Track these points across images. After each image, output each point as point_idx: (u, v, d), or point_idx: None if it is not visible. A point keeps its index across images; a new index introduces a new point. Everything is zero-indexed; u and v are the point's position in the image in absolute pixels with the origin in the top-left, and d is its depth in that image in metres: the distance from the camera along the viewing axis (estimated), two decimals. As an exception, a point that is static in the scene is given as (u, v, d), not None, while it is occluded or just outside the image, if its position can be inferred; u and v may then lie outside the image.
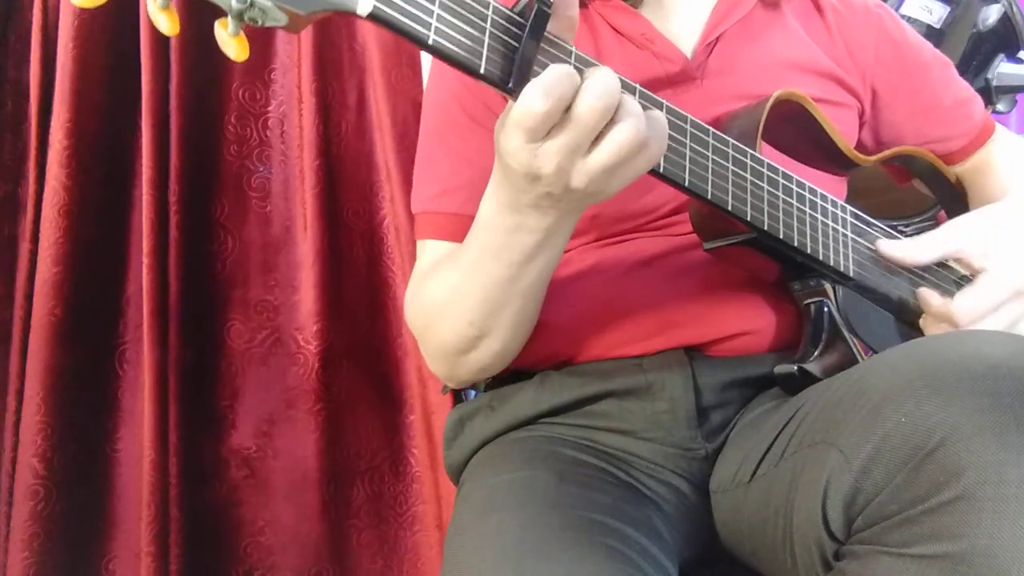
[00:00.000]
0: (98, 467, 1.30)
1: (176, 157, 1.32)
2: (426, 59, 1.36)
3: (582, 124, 0.56)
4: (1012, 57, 1.33)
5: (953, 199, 0.92)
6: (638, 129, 0.58)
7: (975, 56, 1.32)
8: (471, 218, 0.71)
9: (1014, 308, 0.78)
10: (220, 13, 0.49)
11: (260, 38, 1.39)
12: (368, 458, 1.37)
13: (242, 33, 0.50)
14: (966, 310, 0.77)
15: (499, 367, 0.81)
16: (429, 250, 0.83)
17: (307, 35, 1.36)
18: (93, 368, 1.31)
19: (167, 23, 0.49)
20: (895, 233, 0.83)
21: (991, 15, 1.28)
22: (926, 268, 0.83)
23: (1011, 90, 1.35)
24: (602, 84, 0.56)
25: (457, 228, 0.78)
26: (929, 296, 0.79)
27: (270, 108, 1.40)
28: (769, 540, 0.66)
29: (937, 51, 0.97)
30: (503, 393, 0.85)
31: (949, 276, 0.84)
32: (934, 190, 0.94)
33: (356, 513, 1.37)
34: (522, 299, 0.72)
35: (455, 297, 0.74)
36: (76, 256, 1.29)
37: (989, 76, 1.33)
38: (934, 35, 1.31)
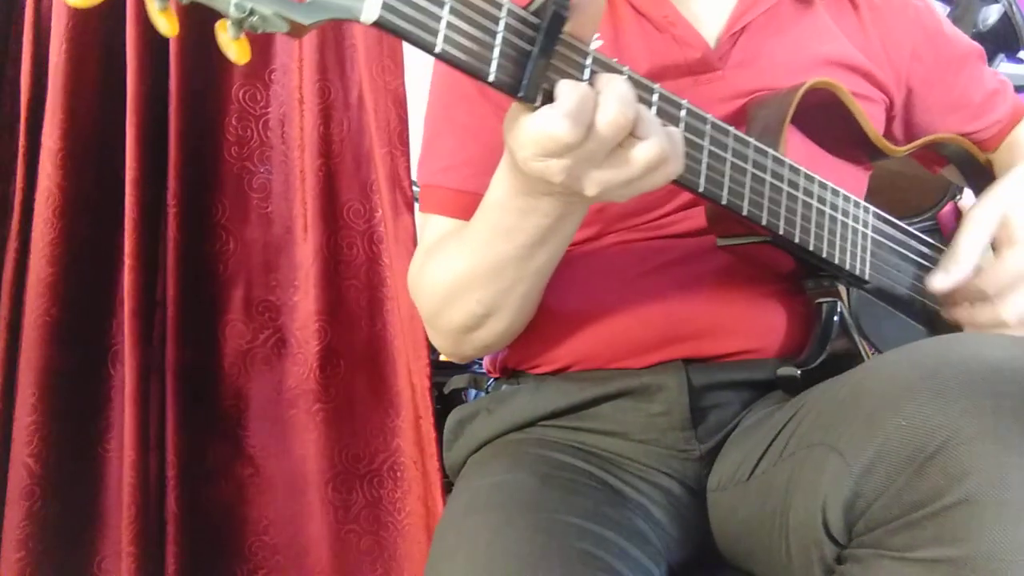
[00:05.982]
0: (90, 467, 1.29)
1: (175, 157, 1.31)
2: (408, 51, 1.35)
3: (599, 138, 0.55)
4: (1012, 57, 1.33)
5: (986, 182, 0.92)
6: (661, 148, 0.57)
7: (975, 56, 1.32)
8: (475, 195, 0.71)
9: None
10: (222, 15, 0.49)
11: (261, 40, 1.39)
12: (367, 462, 1.36)
13: (244, 36, 0.49)
14: (993, 279, 0.75)
15: (502, 345, 0.82)
16: (433, 225, 0.83)
17: (308, 36, 1.36)
18: (87, 369, 1.30)
19: (166, 25, 0.49)
20: (916, 233, 0.82)
21: (991, 15, 1.28)
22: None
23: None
24: (617, 97, 0.55)
25: (461, 204, 0.78)
26: (936, 280, 0.78)
27: (270, 109, 1.39)
28: (765, 539, 0.65)
29: (971, 41, 0.96)
30: (501, 396, 0.85)
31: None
32: (966, 174, 0.93)
33: (355, 518, 1.36)
34: (532, 279, 0.72)
35: (464, 277, 0.73)
36: (71, 257, 1.28)
37: (989, 76, 1.33)
38: (934, 35, 1.32)
